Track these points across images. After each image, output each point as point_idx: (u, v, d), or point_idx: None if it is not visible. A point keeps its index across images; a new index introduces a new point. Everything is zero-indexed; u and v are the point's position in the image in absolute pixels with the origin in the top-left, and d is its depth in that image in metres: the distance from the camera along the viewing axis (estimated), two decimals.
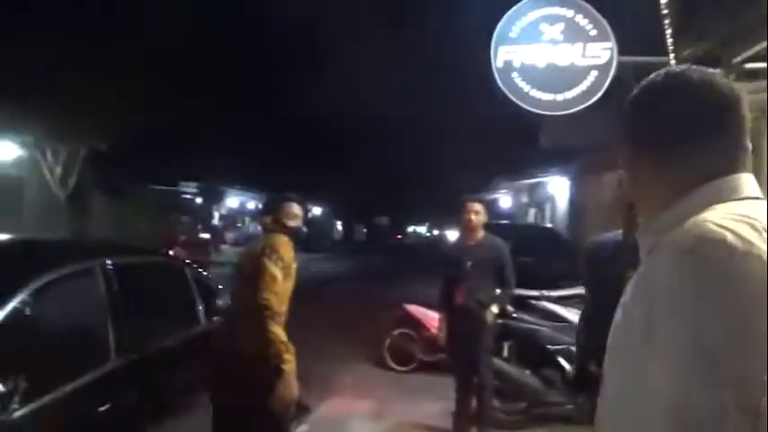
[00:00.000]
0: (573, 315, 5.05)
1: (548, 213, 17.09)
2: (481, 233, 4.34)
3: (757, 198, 0.91)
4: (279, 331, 2.58)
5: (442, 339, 4.47)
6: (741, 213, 0.83)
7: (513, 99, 5.58)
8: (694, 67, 1.02)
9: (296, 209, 3.03)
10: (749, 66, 5.00)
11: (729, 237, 0.78)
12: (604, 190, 12.54)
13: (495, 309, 4.25)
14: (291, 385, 2.60)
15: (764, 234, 0.79)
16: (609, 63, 5.61)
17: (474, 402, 4.36)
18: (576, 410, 4.55)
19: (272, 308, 2.58)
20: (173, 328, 3.11)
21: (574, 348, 4.73)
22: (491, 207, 19.78)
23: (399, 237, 59.38)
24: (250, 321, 2.61)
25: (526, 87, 5.60)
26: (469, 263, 4.25)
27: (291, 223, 2.99)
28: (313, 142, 33.14)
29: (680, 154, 0.96)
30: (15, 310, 2.03)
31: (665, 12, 5.06)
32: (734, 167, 0.94)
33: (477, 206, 4.32)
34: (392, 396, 5.50)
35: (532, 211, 18.73)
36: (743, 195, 0.90)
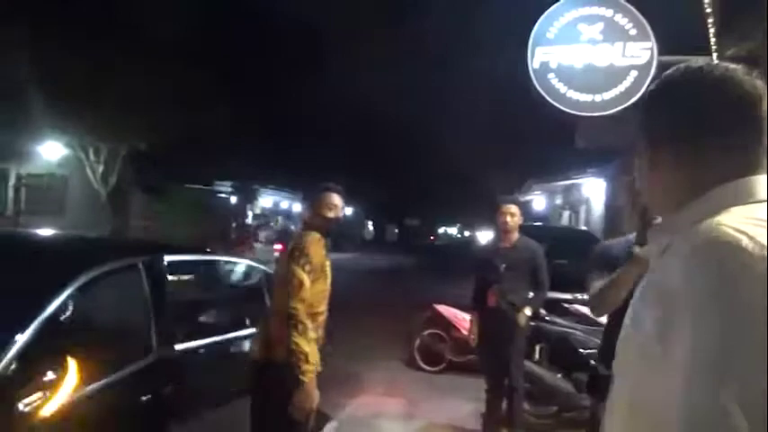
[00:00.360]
0: (606, 318, 4.98)
1: (582, 216, 16.80)
2: (516, 235, 4.32)
3: None
4: (301, 341, 2.55)
5: (473, 340, 4.46)
6: (758, 217, 0.81)
7: (550, 100, 5.54)
8: (716, 62, 0.99)
9: (335, 199, 2.94)
10: None
11: (745, 241, 0.76)
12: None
13: (527, 311, 4.22)
14: (309, 396, 2.58)
15: None
16: (649, 63, 5.51)
17: (504, 405, 4.34)
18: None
19: (297, 317, 2.56)
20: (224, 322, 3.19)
21: None
22: (525, 209, 19.68)
23: (432, 238, 59.04)
24: (281, 325, 2.62)
25: (563, 88, 5.55)
26: (503, 265, 4.23)
27: (330, 214, 2.92)
28: (346, 142, 33.39)
29: (696, 152, 0.93)
30: (65, 301, 2.13)
31: (708, 11, 4.95)
32: (752, 168, 0.90)
33: (513, 208, 4.29)
34: (422, 396, 5.51)
35: (566, 214, 18.45)
36: (760, 198, 0.87)
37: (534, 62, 5.59)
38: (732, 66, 0.98)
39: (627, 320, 0.96)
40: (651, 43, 5.55)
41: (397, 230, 57.64)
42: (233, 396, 2.93)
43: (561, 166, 15.29)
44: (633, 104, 5.59)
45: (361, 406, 5.22)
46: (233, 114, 17.05)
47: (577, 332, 4.87)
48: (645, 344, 0.86)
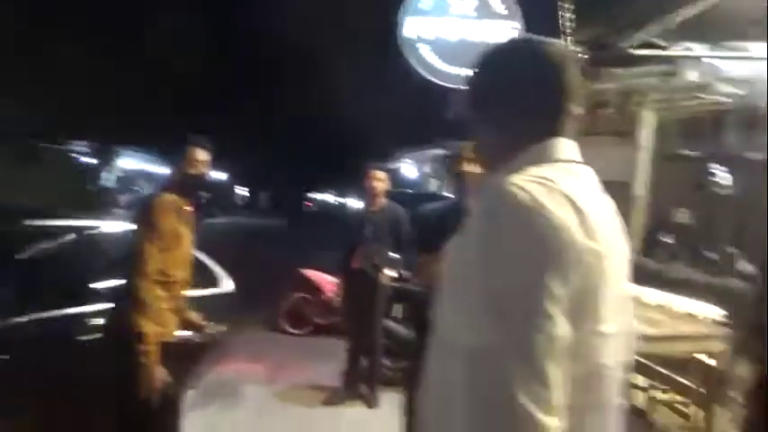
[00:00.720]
0: None
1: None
2: (383, 200, 4.43)
3: (570, 161, 1.00)
4: (140, 320, 2.37)
5: (338, 302, 4.54)
6: (542, 176, 0.93)
7: (421, 71, 5.64)
8: (536, 37, 1.09)
9: (199, 154, 2.68)
10: (637, 52, 5.40)
11: (520, 195, 0.88)
12: None
13: (390, 272, 4.39)
14: (150, 377, 2.41)
15: (558, 196, 0.89)
16: None
17: (363, 362, 4.51)
18: None
19: (138, 295, 2.39)
20: None
21: None
22: (396, 176, 20.13)
23: (308, 204, 58.37)
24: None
25: (436, 60, 5.67)
26: (369, 228, 4.32)
27: (192, 171, 2.66)
28: (219, 101, 31.70)
29: (512, 117, 1.03)
30: None
31: None
32: (554, 131, 1.02)
33: (380, 174, 4.40)
34: (286, 360, 5.50)
35: (434, 182, 19.10)
36: (555, 158, 0.99)
37: (405, 31, 5.64)
38: (551, 40, 1.08)
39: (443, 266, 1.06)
40: (519, 24, 5.85)
41: (270, 197, 56.46)
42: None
43: (433, 136, 15.80)
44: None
45: (222, 373, 5.07)
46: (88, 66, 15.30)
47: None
48: (447, 284, 0.99)
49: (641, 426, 3.81)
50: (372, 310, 4.38)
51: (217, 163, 2.89)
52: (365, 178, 4.41)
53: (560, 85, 1.03)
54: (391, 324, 4.84)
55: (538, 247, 0.86)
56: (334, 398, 4.46)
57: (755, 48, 5.34)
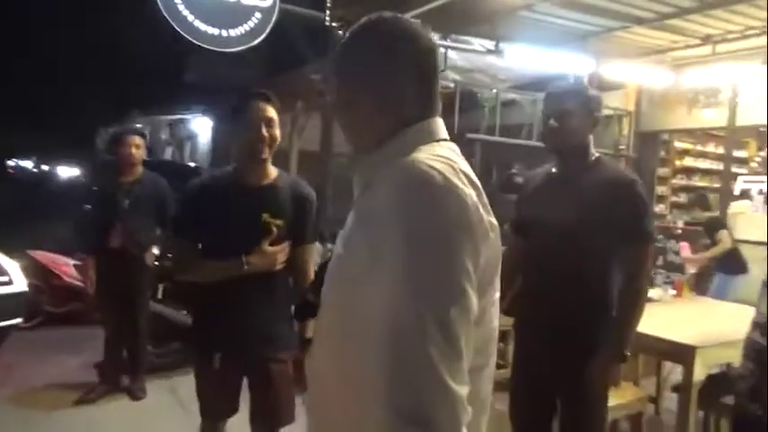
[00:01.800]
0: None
1: (187, 152, 16.64)
2: (140, 169, 3.99)
3: (446, 140, 1.07)
4: None
5: (91, 286, 3.97)
6: (442, 156, 0.98)
7: (178, 29, 5.19)
8: (399, 16, 1.10)
9: None
10: None
11: (437, 177, 0.92)
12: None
13: (155, 250, 4.03)
14: None
15: (461, 174, 0.96)
16: (272, 7, 5.73)
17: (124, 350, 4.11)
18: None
19: None
20: None
21: None
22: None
23: (11, 172, 46.51)
24: None
25: (190, 17, 5.26)
26: (127, 201, 3.86)
27: None
28: None
29: (391, 96, 1.04)
30: None
31: None
32: (430, 111, 1.07)
33: (138, 140, 3.93)
34: (17, 358, 4.61)
35: (170, 150, 17.90)
36: (438, 137, 1.06)
37: None
38: (412, 20, 1.13)
39: (337, 249, 1.04)
40: None
41: None
42: None
43: (168, 100, 14.67)
44: (255, 45, 5.77)
45: None
46: None
47: None
48: (356, 263, 0.96)
49: None
50: (138, 293, 3.97)
51: None
52: (119, 144, 3.91)
53: (434, 64, 1.07)
54: (157, 306, 4.46)
55: (453, 226, 0.90)
56: (90, 394, 3.94)
57: (476, 42, 6.33)
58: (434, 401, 0.83)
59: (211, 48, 5.67)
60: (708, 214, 6.19)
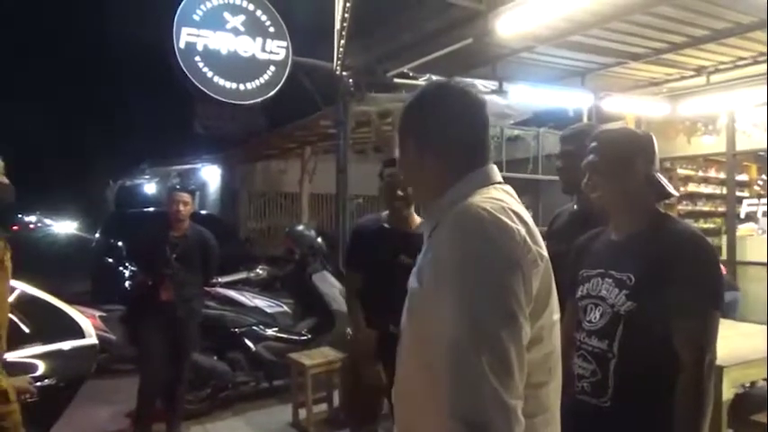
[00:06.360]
0: (245, 299, 5.29)
1: (197, 200, 16.83)
2: (187, 224, 4.14)
3: (500, 183, 1.23)
4: None
5: (119, 343, 4.12)
6: (494, 197, 1.14)
7: (196, 83, 5.46)
8: (453, 80, 1.30)
9: None
10: (398, 80, 6.15)
11: (487, 216, 1.07)
12: (258, 177, 13.22)
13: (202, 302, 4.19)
14: None
15: (509, 212, 1.11)
16: (285, 60, 6.03)
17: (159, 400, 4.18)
18: (255, 388, 4.88)
19: None
20: None
21: (257, 329, 4.98)
22: (137, 194, 18.39)
23: (15, 227, 46.06)
24: None
25: (209, 73, 5.54)
26: (174, 255, 4.01)
27: None
28: None
29: (453, 150, 1.21)
30: None
31: (338, 28, 5.76)
32: (484, 160, 1.23)
33: (186, 197, 4.09)
34: None
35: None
36: (493, 181, 1.21)
37: (180, 42, 5.40)
38: (465, 82, 1.32)
39: (412, 284, 1.19)
40: (287, 42, 6.08)
41: None
42: None
43: (177, 151, 15.00)
44: (270, 97, 6.04)
45: None
46: None
47: (229, 313, 5.00)
48: (426, 296, 1.12)
49: None
50: (187, 345, 4.08)
51: None
52: (169, 202, 4.09)
53: (486, 118, 1.24)
54: (197, 356, 4.54)
55: (501, 257, 1.03)
56: None
57: (479, 83, 6.59)
58: (489, 409, 0.95)
59: (230, 101, 5.94)
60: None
